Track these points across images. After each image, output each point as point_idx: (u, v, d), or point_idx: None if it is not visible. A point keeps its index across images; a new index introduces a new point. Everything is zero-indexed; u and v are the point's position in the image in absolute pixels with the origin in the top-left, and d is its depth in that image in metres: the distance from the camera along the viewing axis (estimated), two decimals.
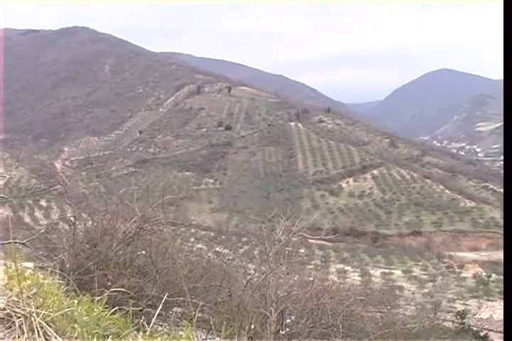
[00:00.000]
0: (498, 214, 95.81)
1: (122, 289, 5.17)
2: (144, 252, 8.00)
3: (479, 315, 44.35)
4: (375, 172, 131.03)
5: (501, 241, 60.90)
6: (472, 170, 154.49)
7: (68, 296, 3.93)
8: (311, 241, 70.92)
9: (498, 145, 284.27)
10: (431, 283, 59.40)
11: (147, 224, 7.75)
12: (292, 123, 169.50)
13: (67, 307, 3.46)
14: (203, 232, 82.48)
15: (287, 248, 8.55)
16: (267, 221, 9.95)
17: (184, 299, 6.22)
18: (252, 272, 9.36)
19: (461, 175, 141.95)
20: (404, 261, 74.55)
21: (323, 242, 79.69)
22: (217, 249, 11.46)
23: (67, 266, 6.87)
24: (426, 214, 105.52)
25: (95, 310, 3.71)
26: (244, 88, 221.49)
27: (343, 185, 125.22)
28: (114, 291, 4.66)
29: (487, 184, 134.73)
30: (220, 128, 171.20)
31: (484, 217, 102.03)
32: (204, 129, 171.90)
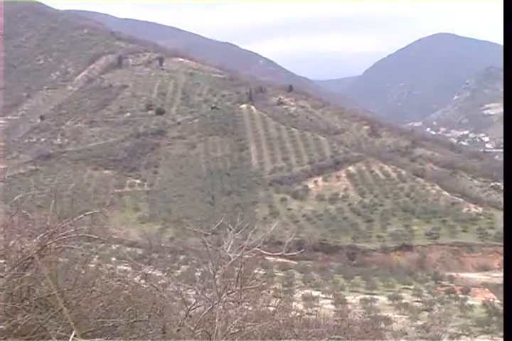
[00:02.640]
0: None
1: (16, 329, 5.06)
2: (47, 278, 7.85)
3: None
4: (351, 168, 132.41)
5: None
6: (478, 165, 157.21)
7: None
8: (269, 258, 71.16)
9: None
10: (426, 313, 60.09)
11: (52, 240, 7.60)
12: (243, 106, 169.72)
13: None
14: (128, 249, 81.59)
15: (238, 268, 8.52)
16: (211, 233, 9.88)
17: (101, 340, 6.13)
18: (193, 301, 9.30)
19: (463, 173, 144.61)
20: (390, 284, 75.27)
21: (285, 260, 79.61)
22: (147, 270, 11.35)
23: None
24: (418, 222, 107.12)
25: None
26: (181, 60, 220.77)
27: (310, 185, 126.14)
28: (5, 332, 4.55)
29: (498, 183, 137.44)
30: (150, 112, 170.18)
31: (495, 226, 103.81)
32: (128, 114, 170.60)
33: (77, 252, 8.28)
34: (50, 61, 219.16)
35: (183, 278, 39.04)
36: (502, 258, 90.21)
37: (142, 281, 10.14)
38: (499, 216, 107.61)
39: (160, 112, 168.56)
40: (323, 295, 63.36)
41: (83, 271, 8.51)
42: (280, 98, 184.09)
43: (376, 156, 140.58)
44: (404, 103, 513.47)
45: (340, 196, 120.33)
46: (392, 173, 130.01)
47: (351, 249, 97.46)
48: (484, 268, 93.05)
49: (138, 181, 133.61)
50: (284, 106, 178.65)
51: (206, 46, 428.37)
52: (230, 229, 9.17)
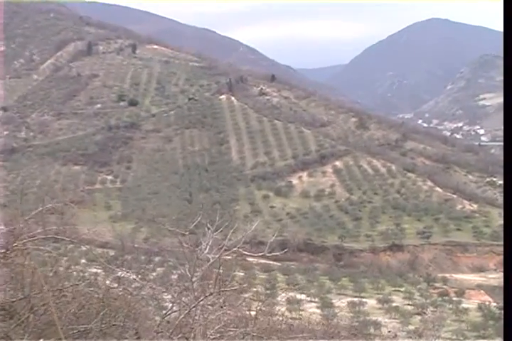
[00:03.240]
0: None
1: None
2: (12, 282, 7.83)
3: None
4: (337, 163, 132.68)
5: None
6: (472, 159, 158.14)
7: None
8: (250, 259, 71.25)
9: None
10: (418, 317, 60.33)
11: (17, 241, 7.57)
12: (223, 97, 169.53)
13: None
14: (99, 250, 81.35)
15: (217, 270, 8.54)
16: (188, 233, 9.89)
17: None
18: (169, 305, 9.30)
19: (457, 167, 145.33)
20: (380, 286, 75.41)
21: (267, 261, 79.70)
22: (120, 273, 11.33)
23: None
24: (409, 220, 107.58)
25: None
26: (155, 47, 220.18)
27: (294, 181, 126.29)
28: None
29: (494, 179, 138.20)
30: (122, 103, 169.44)
31: (491, 224, 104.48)
32: (98, 105, 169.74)
33: (45, 254, 8.26)
34: (13, 47, 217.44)
35: (159, 281, 39.03)
36: (498, 258, 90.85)
37: (115, 285, 10.12)
38: (495, 213, 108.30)
39: (133, 103, 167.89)
40: (309, 299, 63.55)
41: (51, 274, 8.49)
42: (262, 88, 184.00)
43: (364, 150, 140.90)
44: (394, 93, 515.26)
45: (326, 193, 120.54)
46: (382, 168, 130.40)
47: (338, 249, 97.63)
48: (480, 269, 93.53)
49: (110, 177, 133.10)
50: (266, 97, 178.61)
51: (183, 32, 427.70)
52: (209, 229, 9.18)
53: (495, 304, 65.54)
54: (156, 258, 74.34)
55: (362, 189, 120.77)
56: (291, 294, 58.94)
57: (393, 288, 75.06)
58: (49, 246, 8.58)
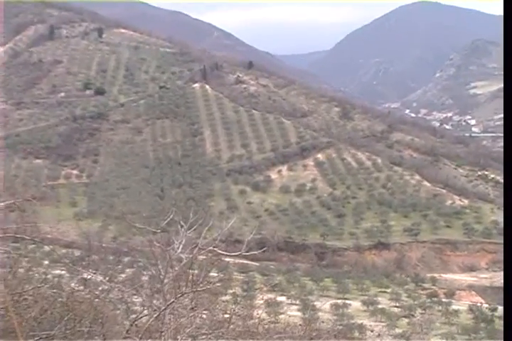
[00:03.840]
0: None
1: None
2: None
3: None
4: (319, 156, 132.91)
5: None
6: (463, 152, 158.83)
7: None
8: (227, 259, 71.14)
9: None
10: (406, 320, 60.63)
11: None
12: (196, 85, 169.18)
13: None
14: (64, 251, 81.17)
15: (191, 271, 8.55)
16: (160, 231, 9.90)
17: None
18: (139, 309, 9.30)
19: (446, 160, 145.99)
20: (365, 287, 75.76)
21: (245, 261, 79.69)
22: (86, 275, 11.31)
23: None
24: (396, 217, 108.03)
25: None
26: (123, 31, 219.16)
27: (273, 176, 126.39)
28: None
29: (486, 172, 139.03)
30: (88, 92, 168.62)
31: (483, 220, 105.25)
32: (62, 94, 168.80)
33: (4, 255, 8.23)
34: None
35: (128, 283, 38.89)
36: (490, 257, 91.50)
37: (80, 287, 10.10)
38: (487, 209, 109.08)
39: (100, 92, 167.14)
40: (289, 301, 63.73)
41: (10, 277, 8.46)
42: (238, 76, 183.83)
43: (348, 142, 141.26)
44: (380, 81, 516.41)
45: (307, 187, 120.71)
46: (367, 161, 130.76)
47: (320, 248, 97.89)
48: (471, 269, 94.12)
49: (75, 172, 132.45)
50: (243, 86, 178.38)
51: (153, 16, 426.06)
52: (182, 226, 9.19)
53: (487, 305, 66.04)
54: (126, 259, 74.16)
55: (345, 183, 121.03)
56: (270, 296, 59.04)
57: (379, 289, 75.43)
58: (8, 246, 8.54)
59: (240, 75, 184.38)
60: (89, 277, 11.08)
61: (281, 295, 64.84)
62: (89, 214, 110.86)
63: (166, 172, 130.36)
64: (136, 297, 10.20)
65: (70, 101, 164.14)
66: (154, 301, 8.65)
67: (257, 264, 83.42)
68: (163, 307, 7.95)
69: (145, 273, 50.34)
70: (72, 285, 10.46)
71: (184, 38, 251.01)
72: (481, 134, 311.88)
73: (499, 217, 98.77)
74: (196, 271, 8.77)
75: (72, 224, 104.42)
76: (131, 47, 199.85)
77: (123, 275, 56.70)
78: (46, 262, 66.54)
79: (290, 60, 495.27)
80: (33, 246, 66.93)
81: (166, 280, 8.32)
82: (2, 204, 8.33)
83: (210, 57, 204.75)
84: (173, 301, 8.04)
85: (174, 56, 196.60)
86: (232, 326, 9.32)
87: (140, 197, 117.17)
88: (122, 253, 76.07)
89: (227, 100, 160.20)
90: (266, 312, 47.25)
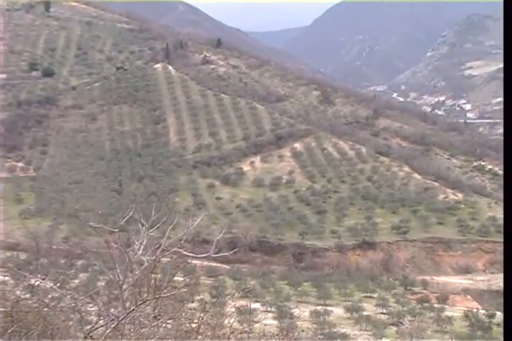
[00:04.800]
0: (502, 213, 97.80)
1: None
2: None
3: None
4: (297, 146, 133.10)
5: None
6: (457, 140, 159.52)
7: None
8: (194, 262, 71.17)
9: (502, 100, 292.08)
10: (394, 328, 60.95)
11: None
12: (158, 66, 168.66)
13: None
14: (8, 254, 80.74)
15: (154, 275, 8.52)
16: (118, 231, 9.84)
17: None
18: (95, 319, 9.26)
19: (439, 150, 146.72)
20: (348, 292, 76.07)
21: (214, 264, 79.81)
22: (33, 281, 11.23)
23: None
24: (382, 213, 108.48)
25: None
26: (75, 4, 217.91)
27: (245, 168, 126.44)
28: None
29: (482, 163, 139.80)
30: (34, 73, 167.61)
31: (479, 217, 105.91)
32: (4, 75, 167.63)
33: None
34: None
35: (82, 289, 38.79)
36: (487, 257, 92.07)
37: (27, 295, 10.03)
38: (483, 204, 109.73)
39: (48, 74, 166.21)
40: (264, 308, 63.87)
41: None
42: (206, 55, 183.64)
43: (329, 130, 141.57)
44: (364, 62, 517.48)
45: (283, 181, 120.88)
46: (350, 151, 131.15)
47: (298, 249, 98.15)
48: (466, 270, 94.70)
49: (20, 164, 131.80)
50: (211, 66, 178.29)
51: None
52: (143, 225, 9.16)
53: (484, 311, 66.46)
54: (79, 262, 73.92)
55: (326, 176, 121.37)
56: (243, 303, 59.06)
57: (364, 294, 75.82)
58: None
59: (208, 55, 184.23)
60: (37, 283, 11.01)
61: (255, 301, 64.89)
62: (37, 212, 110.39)
63: (124, 164, 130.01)
64: (91, 305, 10.13)
65: (13, 84, 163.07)
66: (112, 310, 8.61)
67: (227, 267, 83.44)
68: (122, 317, 7.91)
69: (101, 278, 50.31)
70: (18, 292, 10.37)
71: (144, 13, 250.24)
72: (478, 120, 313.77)
73: (497, 212, 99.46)
74: (159, 275, 8.73)
75: (18, 223, 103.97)
76: (84, 22, 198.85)
77: (76, 281, 56.51)
78: None
79: (264, 38, 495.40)
80: None
81: (125, 286, 8.28)
82: None
83: (173, 34, 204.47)
84: (133, 309, 8.00)
85: (133, 33, 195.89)
86: (200, 336, 9.31)
87: (95, 192, 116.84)
88: (75, 256, 75.75)
89: (193, 83, 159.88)
90: (238, 320, 47.28)
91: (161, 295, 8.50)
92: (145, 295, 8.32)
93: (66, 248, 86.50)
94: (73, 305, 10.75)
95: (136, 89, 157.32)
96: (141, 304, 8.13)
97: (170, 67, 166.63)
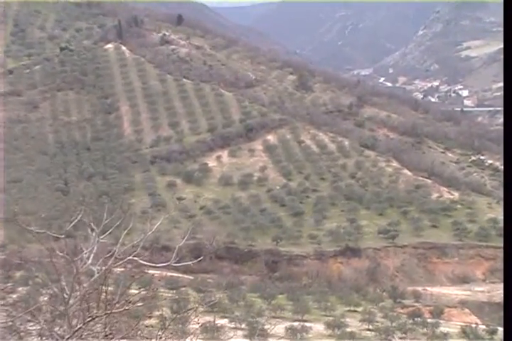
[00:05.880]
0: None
1: None
2: None
3: None
4: (270, 138, 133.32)
5: None
6: (453, 131, 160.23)
7: None
8: (151, 271, 71.11)
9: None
10: None
11: None
12: (110, 46, 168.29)
13: None
14: None
15: (105, 287, 8.46)
16: (64, 237, 9.78)
17: None
18: (36, 339, 9.17)
19: (432, 142, 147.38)
20: (329, 305, 76.33)
21: (175, 273, 79.83)
22: None
23: None
24: (368, 215, 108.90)
25: None
26: None
27: (211, 163, 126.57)
28: None
29: (481, 157, 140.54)
30: None
31: (477, 218, 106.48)
32: None
33: None
34: None
35: (21, 305, 38.59)
36: (487, 264, 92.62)
37: None
38: (483, 204, 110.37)
39: None
40: (232, 324, 63.95)
41: None
42: (165, 34, 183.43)
43: (307, 120, 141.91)
44: (347, 41, 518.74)
45: (254, 178, 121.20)
46: (330, 144, 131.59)
47: (272, 256, 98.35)
48: (463, 280, 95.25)
49: None
50: (171, 47, 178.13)
51: None
52: (93, 230, 9.09)
53: (483, 327, 66.87)
54: (18, 274, 73.70)
55: (304, 173, 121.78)
56: (208, 318, 59.11)
57: (347, 308, 76.11)
58: None
59: (167, 33, 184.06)
60: None
61: (222, 317, 65.06)
62: None
63: (70, 159, 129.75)
64: (31, 324, 10.04)
65: None
66: (56, 328, 8.53)
67: (190, 278, 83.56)
68: (68, 336, 7.84)
69: (44, 291, 50.06)
70: None
71: None
72: (476, 108, 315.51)
73: (498, 213, 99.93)
74: (111, 288, 8.67)
75: None
76: None
77: (14, 296, 56.21)
78: None
79: (231, 14, 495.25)
80: None
81: (71, 301, 8.21)
82: None
83: (127, 9, 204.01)
84: (81, 327, 7.93)
85: (79, 8, 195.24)
86: None
87: (37, 192, 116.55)
88: (13, 267, 75.50)
89: (151, 66, 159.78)
90: (203, 339, 47.35)
91: (113, 311, 8.43)
92: (94, 311, 8.25)
93: (2, 257, 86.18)
94: (10, 323, 10.66)
95: (84, 73, 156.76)
96: (89, 321, 8.06)
97: (123, 48, 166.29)
